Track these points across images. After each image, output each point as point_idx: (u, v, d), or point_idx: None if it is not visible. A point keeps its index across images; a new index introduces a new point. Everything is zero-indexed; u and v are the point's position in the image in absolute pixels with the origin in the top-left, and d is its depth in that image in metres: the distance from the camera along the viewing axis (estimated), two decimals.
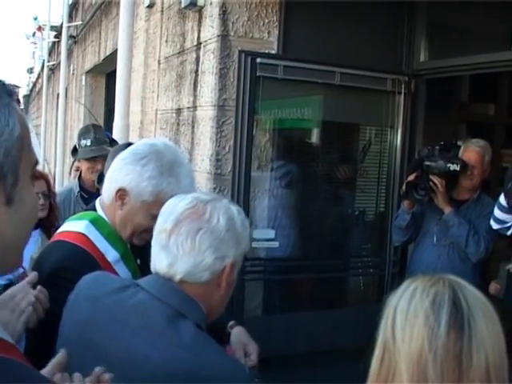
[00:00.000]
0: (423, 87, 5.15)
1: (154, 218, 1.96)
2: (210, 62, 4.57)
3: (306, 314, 4.84)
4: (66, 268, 2.16)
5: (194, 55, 4.94)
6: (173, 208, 1.80)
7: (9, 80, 1.19)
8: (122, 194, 2.32)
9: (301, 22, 4.67)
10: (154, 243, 1.80)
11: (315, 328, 4.71)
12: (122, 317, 1.71)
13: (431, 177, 4.34)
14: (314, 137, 5.26)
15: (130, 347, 1.65)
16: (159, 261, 1.76)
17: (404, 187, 4.50)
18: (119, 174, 2.35)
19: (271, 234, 4.62)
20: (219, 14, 4.45)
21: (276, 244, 4.64)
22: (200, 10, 4.85)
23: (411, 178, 4.44)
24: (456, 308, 1.32)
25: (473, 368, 1.28)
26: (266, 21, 4.54)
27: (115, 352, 1.65)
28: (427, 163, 4.42)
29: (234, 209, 1.83)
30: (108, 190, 2.37)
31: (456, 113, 6.93)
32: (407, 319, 1.34)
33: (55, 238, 2.38)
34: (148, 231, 2.12)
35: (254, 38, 4.51)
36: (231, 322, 2.64)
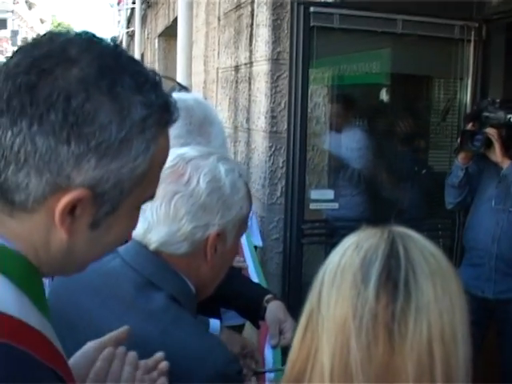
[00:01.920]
0: (497, 34, 4.73)
1: None
2: (263, 14, 4.34)
3: None
4: None
5: (249, 8, 4.72)
6: None
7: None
8: None
9: None
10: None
11: None
12: (94, 285, 1.52)
13: (488, 128, 3.99)
14: (376, 91, 4.97)
15: (96, 319, 1.47)
16: (137, 228, 1.49)
17: (459, 138, 4.17)
18: None
19: (330, 194, 4.38)
20: None
21: (336, 205, 4.40)
22: None
23: (468, 127, 4.11)
24: (390, 263, 1.03)
25: (408, 340, 0.99)
26: None
27: (82, 324, 1.46)
28: (486, 114, 4.06)
29: (223, 168, 1.56)
30: None
31: None
32: (335, 280, 1.05)
33: None
34: None
35: None
36: (268, 296, 2.39)
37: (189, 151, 1.60)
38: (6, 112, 0.92)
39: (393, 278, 1.02)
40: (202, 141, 2.19)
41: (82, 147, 0.93)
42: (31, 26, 78.18)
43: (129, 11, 25.81)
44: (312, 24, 4.06)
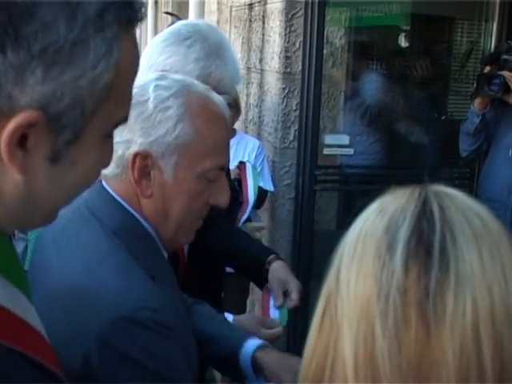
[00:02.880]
0: None
1: None
2: None
3: None
4: None
5: None
6: None
7: None
8: None
9: None
10: None
11: None
12: (59, 232, 1.40)
13: (505, 72, 3.80)
14: (396, 33, 4.79)
15: (50, 264, 1.38)
16: None
17: (475, 82, 3.98)
18: (159, 56, 2.08)
19: (345, 139, 4.24)
20: None
21: (351, 151, 4.25)
22: None
23: (485, 70, 3.93)
24: (421, 226, 0.80)
25: (447, 322, 0.76)
26: None
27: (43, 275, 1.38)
28: (505, 57, 3.87)
29: (152, 83, 1.41)
30: None
31: None
32: (355, 253, 0.83)
33: None
34: None
35: None
36: (270, 257, 2.29)
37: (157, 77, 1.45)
38: None
39: (425, 243, 0.80)
40: (221, 63, 2.10)
41: (22, 54, 0.74)
42: None
43: None
44: None
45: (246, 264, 2.39)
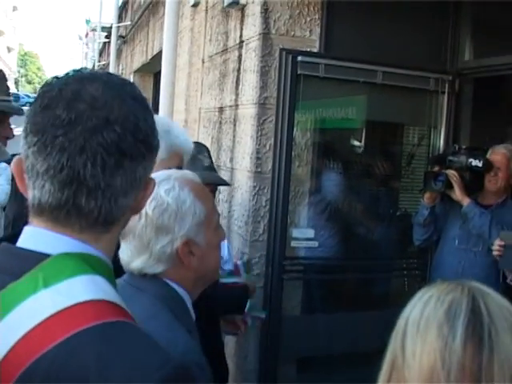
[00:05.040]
0: (468, 87, 5.04)
1: None
2: (251, 61, 4.57)
3: (346, 315, 4.80)
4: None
5: (237, 53, 4.95)
6: None
7: None
8: None
9: (343, 20, 4.64)
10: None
11: (356, 329, 4.66)
12: None
13: (448, 170, 4.30)
14: (356, 136, 5.21)
15: None
16: (122, 260, 1.81)
17: (423, 179, 4.48)
18: None
19: (310, 233, 4.60)
20: (261, 13, 4.44)
21: (315, 243, 4.61)
22: (242, 9, 4.85)
23: (433, 169, 4.44)
24: (475, 317, 1.14)
25: None
26: (308, 19, 4.51)
27: None
28: (450, 158, 4.40)
29: (162, 190, 1.79)
30: None
31: (506, 114, 6.78)
32: (419, 331, 1.17)
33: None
34: None
35: (295, 37, 4.49)
36: None
37: None
38: (108, 163, 1.15)
39: (478, 331, 1.12)
40: (178, 136, 2.69)
41: (150, 158, 1.25)
42: None
43: (100, 44, 26.02)
44: (299, 72, 4.31)
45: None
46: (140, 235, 1.76)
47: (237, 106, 4.86)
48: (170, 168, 2.24)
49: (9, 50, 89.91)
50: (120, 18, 17.34)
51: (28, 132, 1.15)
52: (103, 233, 1.20)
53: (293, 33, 4.49)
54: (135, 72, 13.62)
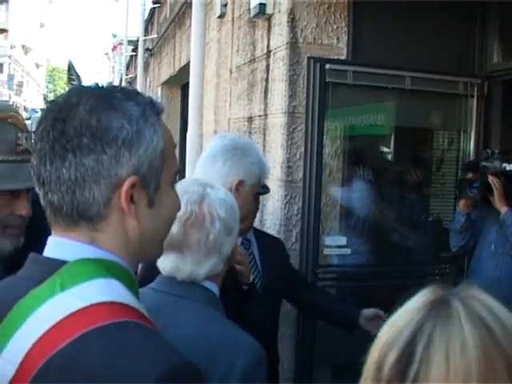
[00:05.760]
0: (497, 89, 5.02)
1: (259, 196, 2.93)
2: (279, 70, 4.59)
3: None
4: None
5: (264, 63, 4.97)
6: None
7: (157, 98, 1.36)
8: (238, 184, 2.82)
9: (370, 26, 4.65)
10: (166, 253, 1.76)
11: None
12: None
13: (489, 176, 4.26)
14: (386, 143, 5.21)
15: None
16: (177, 270, 1.91)
17: (458, 187, 4.45)
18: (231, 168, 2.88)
19: (343, 240, 4.60)
20: (288, 22, 4.46)
21: (348, 251, 4.61)
22: (269, 19, 4.88)
23: (467, 176, 4.42)
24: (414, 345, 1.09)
25: None
26: (335, 27, 4.53)
27: None
28: (483, 164, 4.36)
29: (222, 194, 1.98)
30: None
31: None
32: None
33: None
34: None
35: (322, 45, 4.51)
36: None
37: (190, 196, 1.95)
38: (54, 158, 1.27)
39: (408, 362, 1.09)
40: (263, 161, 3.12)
41: (112, 150, 1.27)
42: (27, 71, 78.84)
43: (127, 58, 26.24)
44: (327, 80, 4.33)
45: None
46: (214, 239, 1.90)
47: (266, 115, 4.89)
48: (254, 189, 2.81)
49: (37, 66, 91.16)
50: (146, 31, 17.51)
51: None
52: (93, 231, 1.30)
53: (320, 41, 4.51)
54: (163, 84, 13.73)
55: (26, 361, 1.15)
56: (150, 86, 16.19)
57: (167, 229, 1.44)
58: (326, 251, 4.52)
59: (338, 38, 4.55)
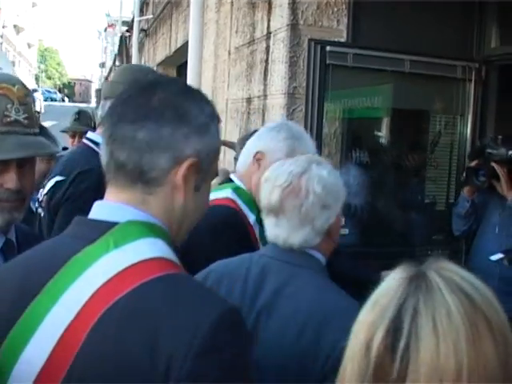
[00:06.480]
0: (495, 74, 5.06)
1: None
2: (279, 51, 4.63)
3: None
4: (227, 224, 2.65)
5: (264, 45, 5.01)
6: (272, 187, 2.11)
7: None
8: (259, 156, 2.77)
9: (370, 9, 4.68)
10: (265, 220, 2.15)
11: None
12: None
13: (493, 164, 4.29)
14: (383, 125, 5.25)
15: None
16: (275, 236, 2.09)
17: (464, 173, 4.49)
18: (255, 141, 2.86)
19: (342, 220, 4.64)
20: (289, 4, 4.50)
21: (346, 231, 4.66)
22: (269, 0, 4.91)
23: (472, 164, 4.43)
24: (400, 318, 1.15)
25: None
26: (335, 9, 4.56)
27: None
28: (489, 151, 4.37)
29: (325, 172, 2.08)
30: (244, 158, 2.85)
31: None
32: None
33: None
34: None
35: (323, 27, 4.55)
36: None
37: (294, 168, 2.11)
38: (135, 120, 1.41)
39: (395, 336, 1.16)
40: (303, 143, 2.89)
41: (187, 129, 1.42)
42: (19, 51, 78.31)
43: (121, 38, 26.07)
44: (328, 62, 4.36)
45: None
46: (306, 211, 2.03)
47: (265, 96, 4.92)
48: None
49: (29, 46, 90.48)
50: (141, 12, 17.44)
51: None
52: (146, 194, 1.42)
53: (320, 23, 4.55)
54: (158, 65, 13.72)
55: (86, 307, 1.28)
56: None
57: (197, 218, 1.56)
58: None
59: (338, 21, 4.58)
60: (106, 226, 1.39)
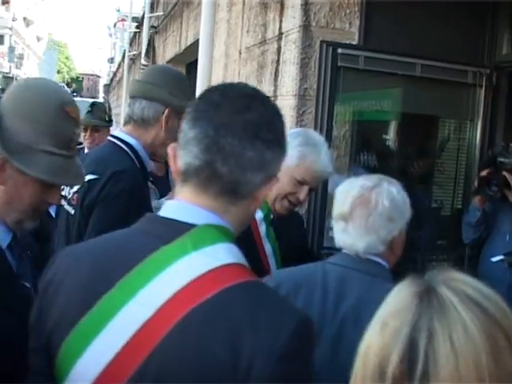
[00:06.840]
0: (505, 80, 5.05)
1: (297, 183, 2.96)
2: (291, 52, 4.63)
3: None
4: None
5: (276, 45, 5.01)
6: (345, 197, 2.29)
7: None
8: None
9: (382, 12, 4.67)
10: (335, 226, 2.38)
11: None
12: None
13: (504, 173, 4.27)
14: (393, 129, 5.24)
15: None
16: (343, 241, 2.32)
17: (476, 183, 4.47)
18: None
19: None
20: (301, 5, 4.50)
21: None
22: (282, 1, 4.91)
23: (484, 173, 4.40)
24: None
25: None
26: (348, 11, 4.56)
27: None
28: (500, 159, 4.36)
29: (394, 189, 2.26)
30: None
31: None
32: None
33: None
34: (291, 195, 2.99)
35: (335, 29, 4.54)
36: None
37: (366, 182, 2.30)
38: (244, 137, 1.43)
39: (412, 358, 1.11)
40: (316, 153, 3.07)
41: (281, 152, 1.50)
42: (28, 44, 78.48)
43: (131, 34, 26.15)
44: (339, 64, 4.36)
45: None
46: (373, 221, 2.21)
47: (276, 96, 4.92)
48: (295, 178, 2.94)
49: (38, 39, 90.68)
50: (152, 8, 17.46)
51: (187, 113, 1.50)
52: (230, 204, 1.47)
53: (332, 25, 4.54)
54: (168, 62, 13.69)
55: (165, 307, 1.32)
56: (155, 63, 16.14)
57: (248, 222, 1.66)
58: (332, 233, 4.56)
59: (350, 23, 4.58)
60: (183, 227, 1.42)
